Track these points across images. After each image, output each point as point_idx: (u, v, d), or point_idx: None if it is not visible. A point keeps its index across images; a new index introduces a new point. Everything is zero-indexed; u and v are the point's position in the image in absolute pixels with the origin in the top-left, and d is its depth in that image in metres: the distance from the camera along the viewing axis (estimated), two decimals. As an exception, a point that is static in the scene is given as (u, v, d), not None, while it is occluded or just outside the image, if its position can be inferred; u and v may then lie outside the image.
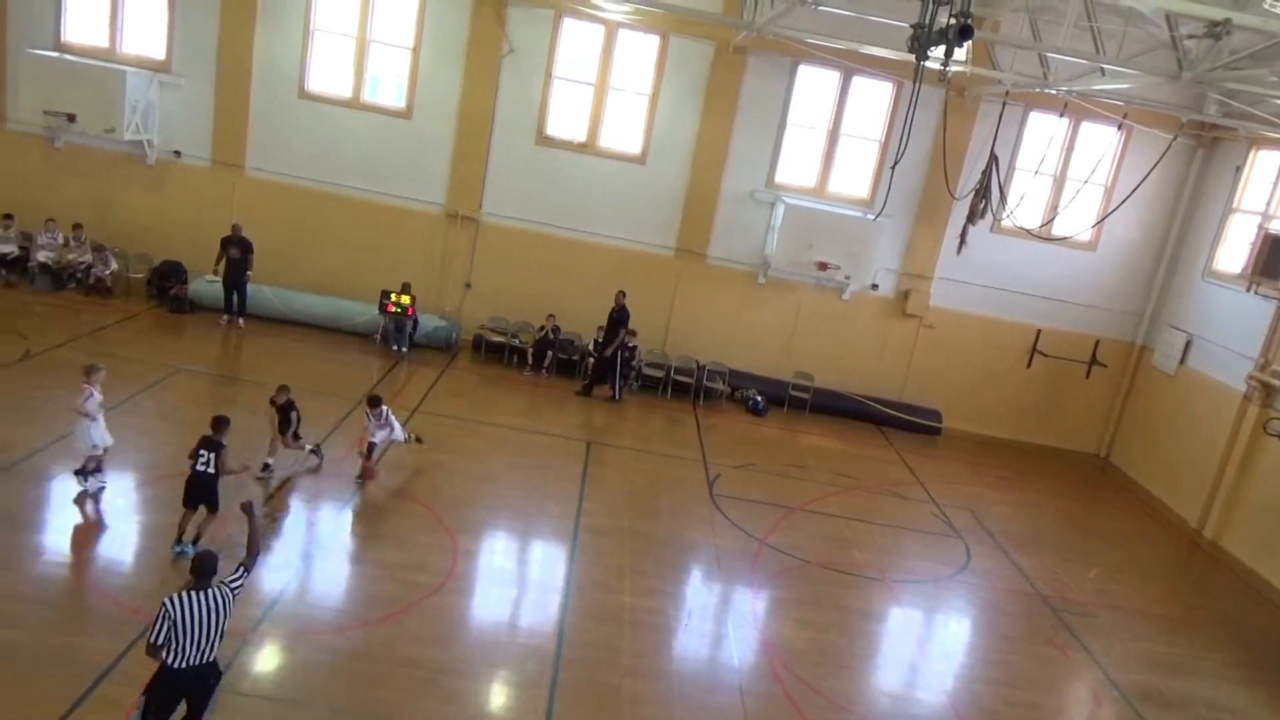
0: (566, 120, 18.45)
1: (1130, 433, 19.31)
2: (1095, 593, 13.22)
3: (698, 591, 11.47)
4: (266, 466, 11.79)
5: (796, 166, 18.73)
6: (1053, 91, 15.94)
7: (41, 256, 17.42)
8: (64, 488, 10.55)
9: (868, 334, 19.28)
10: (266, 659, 8.49)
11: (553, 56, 18.08)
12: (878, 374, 19.34)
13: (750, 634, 10.49)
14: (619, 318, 17.43)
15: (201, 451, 9.68)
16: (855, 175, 18.82)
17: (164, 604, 6.48)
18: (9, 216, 17.54)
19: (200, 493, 9.70)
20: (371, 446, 12.30)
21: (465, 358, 18.43)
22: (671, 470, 14.86)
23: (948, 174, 16.37)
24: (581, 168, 18.51)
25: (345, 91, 18.25)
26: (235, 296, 17.49)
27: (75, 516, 10.11)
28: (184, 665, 6.42)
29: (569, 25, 18.03)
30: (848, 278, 18.32)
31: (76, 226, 17.65)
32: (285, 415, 11.89)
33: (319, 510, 11.41)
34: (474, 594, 10.37)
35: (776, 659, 10.02)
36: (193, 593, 6.49)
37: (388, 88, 18.48)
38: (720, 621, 10.76)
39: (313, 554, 10.45)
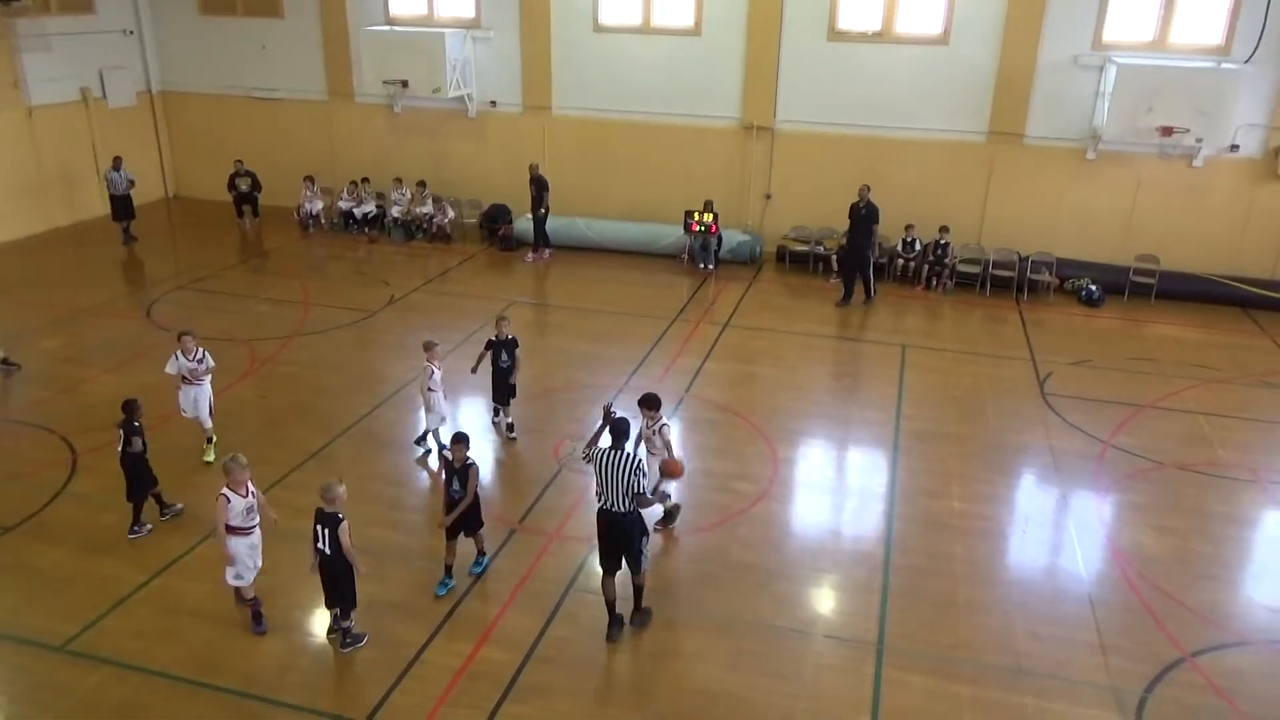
0: (859, 10, 17.53)
1: None
2: None
3: (1034, 496, 10.84)
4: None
5: (1129, 19, 16.47)
6: None
7: (395, 212, 19.80)
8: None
9: (1227, 204, 16.75)
10: (613, 561, 9.24)
11: (840, -57, 17.20)
12: (1242, 250, 16.80)
13: (1097, 541, 9.77)
14: (866, 213, 16.20)
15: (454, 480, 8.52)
16: (1205, 19, 16.19)
17: (590, 453, 8.04)
18: (365, 180, 20.07)
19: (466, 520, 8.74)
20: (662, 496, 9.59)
21: (770, 269, 18.50)
22: (996, 370, 14.03)
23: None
24: (878, 59, 17.57)
25: (635, 19, 18.61)
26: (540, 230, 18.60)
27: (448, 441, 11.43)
28: (603, 506, 7.86)
29: (855, -94, 17.02)
30: (1199, 141, 15.92)
31: (420, 184, 19.79)
32: (498, 353, 11.12)
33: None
34: (797, 501, 10.57)
35: (1130, 568, 9.26)
36: (610, 451, 7.78)
37: (676, 7, 18.56)
38: (1061, 528, 10.11)
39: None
